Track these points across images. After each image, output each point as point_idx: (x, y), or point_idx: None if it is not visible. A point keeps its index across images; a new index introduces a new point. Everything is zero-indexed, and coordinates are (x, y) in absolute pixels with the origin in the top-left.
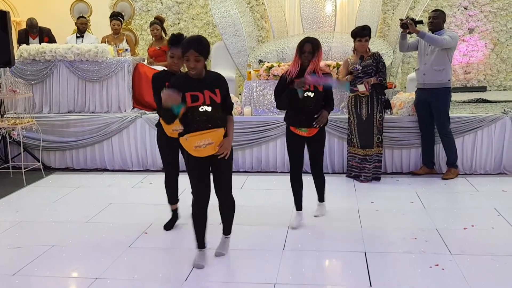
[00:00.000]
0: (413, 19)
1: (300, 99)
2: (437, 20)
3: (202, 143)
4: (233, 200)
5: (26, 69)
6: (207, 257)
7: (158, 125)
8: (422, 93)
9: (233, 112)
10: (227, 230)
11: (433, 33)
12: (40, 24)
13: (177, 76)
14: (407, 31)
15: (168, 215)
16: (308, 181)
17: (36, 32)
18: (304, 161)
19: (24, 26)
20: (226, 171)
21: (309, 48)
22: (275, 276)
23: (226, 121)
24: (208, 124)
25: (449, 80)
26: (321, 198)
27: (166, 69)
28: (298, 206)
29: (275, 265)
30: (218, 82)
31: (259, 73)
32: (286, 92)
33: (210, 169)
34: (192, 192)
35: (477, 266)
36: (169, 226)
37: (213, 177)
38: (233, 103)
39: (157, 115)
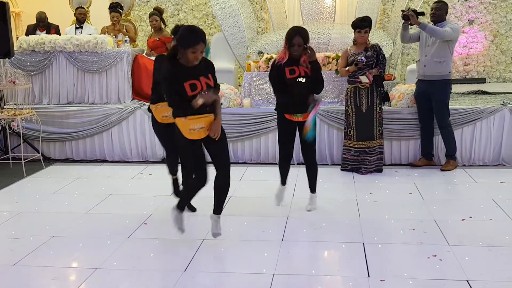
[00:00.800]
0: (414, 11)
1: (293, 85)
2: (439, 11)
3: (196, 127)
4: (229, 178)
5: (25, 60)
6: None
7: (150, 110)
8: (422, 84)
9: (232, 103)
10: (219, 210)
11: (435, 24)
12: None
13: (171, 67)
14: (409, 22)
15: (168, 206)
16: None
17: (44, 26)
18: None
19: (23, 17)
20: (222, 144)
21: (298, 41)
22: (273, 266)
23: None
24: (206, 108)
25: (449, 72)
26: (313, 189)
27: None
28: (283, 182)
29: (274, 255)
30: (208, 67)
31: (259, 65)
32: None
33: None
34: (184, 174)
35: (475, 257)
36: (176, 192)
37: (211, 154)
38: (218, 84)
39: None
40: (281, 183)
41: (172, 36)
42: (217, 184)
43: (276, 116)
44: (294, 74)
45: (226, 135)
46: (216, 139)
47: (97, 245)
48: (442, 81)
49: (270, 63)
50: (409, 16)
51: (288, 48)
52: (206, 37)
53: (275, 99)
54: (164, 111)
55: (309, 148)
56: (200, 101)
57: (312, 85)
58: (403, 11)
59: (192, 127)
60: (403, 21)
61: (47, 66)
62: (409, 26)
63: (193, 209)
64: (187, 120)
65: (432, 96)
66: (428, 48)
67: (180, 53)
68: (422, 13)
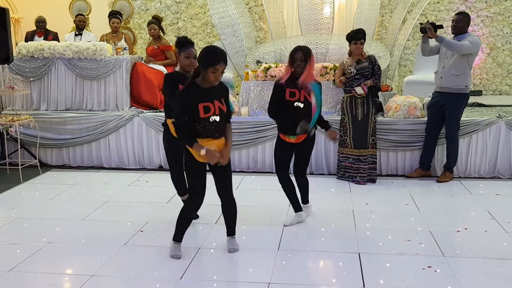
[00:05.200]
0: (432, 24)
1: (290, 108)
2: (460, 24)
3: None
4: (234, 201)
5: (24, 66)
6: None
7: (165, 124)
8: (437, 96)
9: None
10: (232, 231)
11: (455, 36)
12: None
13: (188, 86)
14: (427, 35)
15: (164, 214)
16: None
17: (42, 29)
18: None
19: (22, 23)
20: (227, 169)
21: (300, 56)
22: (269, 275)
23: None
24: (215, 134)
25: (466, 86)
26: (304, 200)
27: (177, 70)
28: (295, 207)
29: (270, 264)
30: (223, 91)
31: (257, 74)
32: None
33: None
34: (190, 192)
35: (470, 268)
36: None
37: (215, 178)
38: (230, 111)
39: (154, 113)
40: (294, 210)
41: (174, 48)
42: (225, 209)
43: (273, 125)
44: (294, 97)
45: None
46: (224, 165)
47: (93, 252)
48: (458, 95)
49: (268, 72)
50: (427, 29)
51: (291, 64)
52: (226, 57)
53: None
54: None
55: (300, 168)
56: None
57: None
58: (421, 23)
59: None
60: (400, 32)
61: (46, 72)
62: (429, 39)
63: (195, 217)
64: (200, 142)
65: (446, 108)
66: (447, 60)
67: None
68: (441, 26)
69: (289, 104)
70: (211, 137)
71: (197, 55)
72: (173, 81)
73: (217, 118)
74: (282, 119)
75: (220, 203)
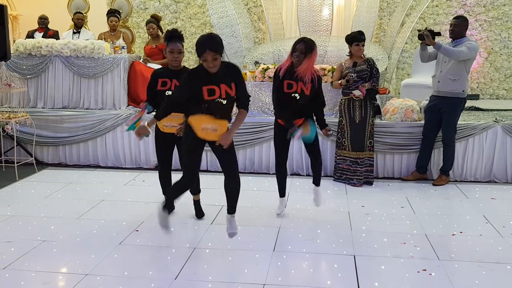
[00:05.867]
0: (430, 31)
1: (289, 100)
2: (458, 28)
3: (209, 126)
4: (239, 181)
5: (21, 64)
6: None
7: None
8: (434, 99)
9: None
10: (231, 209)
11: (453, 40)
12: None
13: (193, 70)
14: (425, 42)
15: None
16: (300, 184)
17: (44, 26)
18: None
19: (21, 21)
20: (231, 152)
21: (301, 48)
22: (264, 277)
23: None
24: (218, 114)
25: (463, 91)
26: (317, 181)
27: (167, 66)
28: (281, 193)
29: (265, 266)
30: (234, 76)
31: (255, 75)
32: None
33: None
34: (183, 171)
35: (465, 272)
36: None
37: (219, 159)
38: (248, 96)
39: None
40: (279, 195)
41: (166, 43)
42: (226, 185)
43: (270, 127)
44: (291, 89)
45: None
46: (225, 148)
47: (88, 251)
48: (455, 99)
49: (267, 73)
50: (424, 36)
51: (291, 54)
52: (219, 41)
53: (270, 108)
54: (165, 120)
55: (316, 155)
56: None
57: (311, 103)
58: (419, 30)
59: (205, 126)
60: (398, 35)
61: (43, 70)
62: (427, 45)
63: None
64: (203, 116)
65: (443, 111)
66: (444, 64)
67: None
68: (438, 33)
69: (287, 95)
70: (212, 115)
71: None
72: (155, 77)
73: (224, 101)
74: (282, 109)
75: (223, 185)
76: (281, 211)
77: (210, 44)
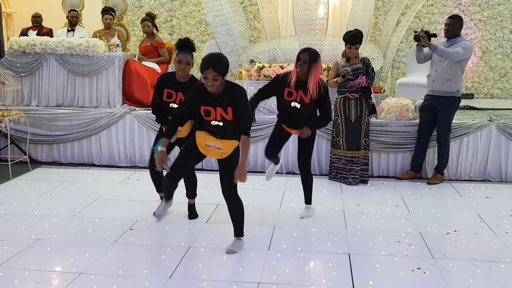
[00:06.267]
0: (426, 32)
1: (289, 108)
2: (453, 28)
3: (212, 144)
4: (238, 202)
5: (15, 61)
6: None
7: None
8: (429, 98)
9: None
10: (236, 232)
11: (448, 40)
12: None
13: (196, 87)
14: (421, 44)
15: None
16: (296, 182)
17: (38, 24)
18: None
19: (15, 18)
20: (231, 173)
21: (305, 58)
22: (259, 275)
23: (238, 136)
24: (217, 135)
25: (457, 91)
26: (307, 200)
27: (174, 74)
28: (275, 161)
29: (260, 264)
30: (233, 100)
31: (250, 73)
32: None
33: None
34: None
35: (459, 270)
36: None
37: (220, 176)
38: (250, 120)
39: (146, 111)
40: (274, 163)
41: (176, 51)
42: (229, 209)
43: (266, 125)
44: (291, 97)
45: None
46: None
47: (82, 249)
48: (449, 98)
49: (262, 72)
50: (420, 38)
51: (296, 63)
52: (229, 65)
53: (265, 107)
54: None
55: (305, 158)
56: (159, 148)
57: (313, 116)
58: (415, 31)
59: (208, 143)
60: (393, 34)
61: (37, 68)
62: (423, 47)
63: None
64: (205, 135)
65: (437, 111)
66: (439, 63)
67: None
68: (434, 35)
69: (287, 103)
70: (211, 134)
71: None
72: (161, 83)
73: (220, 123)
74: (282, 114)
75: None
76: (269, 177)
77: (215, 63)
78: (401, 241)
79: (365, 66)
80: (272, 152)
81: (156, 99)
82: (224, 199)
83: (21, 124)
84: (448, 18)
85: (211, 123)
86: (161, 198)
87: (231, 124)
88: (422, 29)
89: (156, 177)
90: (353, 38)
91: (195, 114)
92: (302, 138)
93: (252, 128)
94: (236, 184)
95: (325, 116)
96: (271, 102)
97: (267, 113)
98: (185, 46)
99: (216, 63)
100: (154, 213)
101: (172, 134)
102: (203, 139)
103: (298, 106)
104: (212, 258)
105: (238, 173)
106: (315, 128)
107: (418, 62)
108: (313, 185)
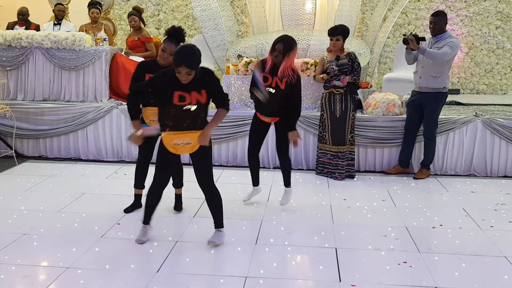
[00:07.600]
0: (415, 35)
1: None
2: (438, 25)
3: (180, 142)
4: (216, 192)
5: (1, 55)
6: (149, 234)
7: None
8: (416, 94)
9: (210, 106)
10: (217, 224)
11: (434, 36)
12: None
13: (163, 73)
14: (409, 47)
15: (142, 207)
16: (278, 177)
17: (24, 21)
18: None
19: (0, 12)
20: (205, 162)
21: (279, 48)
22: (246, 269)
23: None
24: (183, 124)
25: (444, 87)
26: (287, 183)
27: (156, 61)
28: (254, 182)
29: (247, 258)
30: (204, 82)
31: (238, 68)
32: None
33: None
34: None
35: (444, 264)
36: (129, 209)
37: (194, 168)
38: (226, 95)
39: None
40: (253, 184)
41: (166, 37)
42: (207, 200)
43: (245, 121)
44: (267, 82)
45: None
46: (201, 147)
47: (68, 244)
48: (436, 94)
49: (250, 66)
50: (409, 41)
51: (271, 53)
52: (198, 57)
53: (252, 102)
54: (151, 115)
55: (283, 145)
56: (139, 133)
57: (285, 104)
58: (404, 35)
59: (176, 142)
60: (380, 30)
61: (23, 62)
62: (412, 50)
63: (178, 209)
64: (169, 134)
65: (424, 106)
66: (426, 60)
67: None
68: (423, 39)
69: (262, 88)
70: (179, 128)
71: None
72: (142, 69)
73: (193, 108)
74: (257, 100)
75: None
76: (248, 198)
77: (188, 61)
78: (387, 235)
79: (350, 61)
80: (254, 152)
81: (134, 86)
82: (202, 190)
83: (7, 118)
84: (432, 15)
85: (183, 107)
86: (135, 195)
87: (202, 109)
88: (411, 33)
89: (141, 176)
90: (333, 29)
91: (159, 101)
92: (279, 127)
93: (239, 122)
94: (212, 174)
95: (294, 106)
96: (248, 95)
97: (253, 107)
98: (174, 35)
99: (189, 60)
100: (135, 240)
101: (136, 111)
102: (169, 140)
103: (273, 91)
104: (199, 253)
105: (201, 137)
106: (294, 125)
107: (408, 63)
108: (301, 180)
